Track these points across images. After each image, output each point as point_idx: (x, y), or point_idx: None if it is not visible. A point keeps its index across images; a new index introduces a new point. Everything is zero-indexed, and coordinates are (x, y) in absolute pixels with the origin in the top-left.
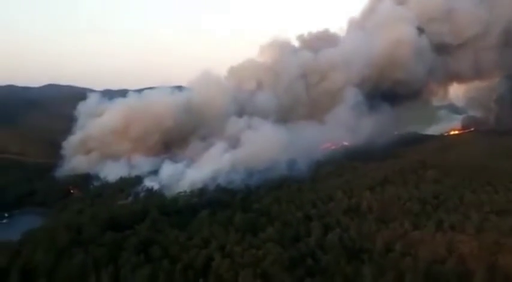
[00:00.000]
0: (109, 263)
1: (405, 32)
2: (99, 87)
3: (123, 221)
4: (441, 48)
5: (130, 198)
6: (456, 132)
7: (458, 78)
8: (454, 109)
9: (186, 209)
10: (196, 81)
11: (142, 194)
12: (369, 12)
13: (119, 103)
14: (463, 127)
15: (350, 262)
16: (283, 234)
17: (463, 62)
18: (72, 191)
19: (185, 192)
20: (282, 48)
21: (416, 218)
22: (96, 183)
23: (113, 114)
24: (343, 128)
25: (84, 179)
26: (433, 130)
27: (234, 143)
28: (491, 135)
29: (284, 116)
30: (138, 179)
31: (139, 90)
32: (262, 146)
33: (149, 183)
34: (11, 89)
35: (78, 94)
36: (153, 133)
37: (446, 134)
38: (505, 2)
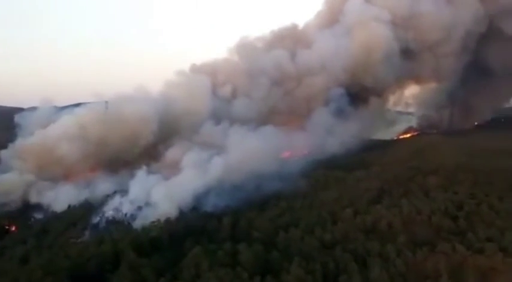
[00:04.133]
0: None
1: (380, 33)
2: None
3: (90, 269)
4: (405, 53)
5: (87, 233)
6: (408, 135)
7: (417, 82)
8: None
9: (167, 244)
10: (174, 84)
11: (102, 226)
12: (337, 10)
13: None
14: (419, 128)
15: None
16: (312, 272)
17: (425, 66)
18: (8, 228)
19: (159, 221)
20: (253, 48)
21: (459, 237)
22: (38, 216)
23: (74, 122)
24: (324, 134)
25: (22, 211)
26: (387, 134)
27: (216, 152)
28: (452, 136)
29: (262, 122)
30: (93, 206)
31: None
32: (249, 156)
33: (111, 210)
34: None
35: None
36: (130, 147)
37: (405, 137)
38: (466, 7)
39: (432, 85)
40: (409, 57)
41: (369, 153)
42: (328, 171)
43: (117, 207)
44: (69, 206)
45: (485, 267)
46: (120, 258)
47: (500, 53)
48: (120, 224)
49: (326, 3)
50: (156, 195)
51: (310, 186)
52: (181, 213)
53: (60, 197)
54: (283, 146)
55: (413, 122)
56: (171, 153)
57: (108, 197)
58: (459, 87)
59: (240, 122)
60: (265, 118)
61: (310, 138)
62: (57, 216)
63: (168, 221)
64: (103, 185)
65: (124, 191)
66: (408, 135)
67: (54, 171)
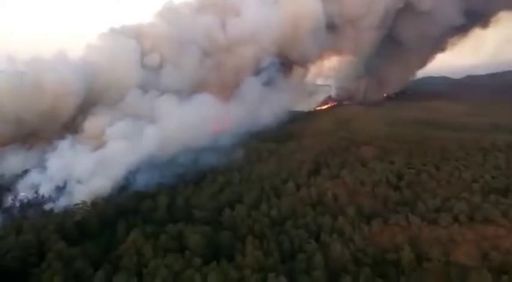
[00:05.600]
0: None
1: (309, 5)
2: None
3: (10, 264)
4: (329, 26)
5: None
6: (327, 105)
7: (338, 54)
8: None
9: (97, 229)
10: (97, 49)
11: (17, 211)
12: None
13: None
14: (337, 99)
15: None
16: (269, 253)
17: (346, 39)
18: None
19: (85, 202)
20: (181, 14)
21: (407, 208)
22: None
23: None
24: (255, 105)
25: None
26: (305, 105)
27: (146, 123)
28: (368, 106)
29: (191, 93)
30: (3, 186)
31: None
32: (183, 127)
33: (25, 190)
34: None
35: None
36: (50, 122)
37: (325, 108)
38: None
39: (350, 57)
40: (332, 30)
41: (294, 124)
42: (259, 143)
43: (34, 186)
44: None
45: (444, 238)
46: (46, 248)
47: (411, 27)
48: (38, 207)
49: None
50: (82, 171)
51: (244, 158)
52: (110, 193)
53: None
54: (216, 117)
55: (331, 93)
56: (93, 124)
57: (21, 175)
58: (374, 60)
59: (168, 92)
60: (194, 89)
61: (240, 110)
62: None
63: (95, 202)
64: (14, 160)
65: (41, 167)
66: (327, 105)
67: None
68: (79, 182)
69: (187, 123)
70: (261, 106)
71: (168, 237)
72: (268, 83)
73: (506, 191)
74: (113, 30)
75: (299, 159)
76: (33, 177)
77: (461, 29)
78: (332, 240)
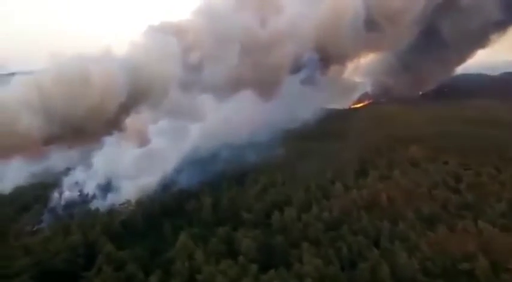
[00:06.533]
0: None
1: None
2: None
3: (59, 267)
4: (368, 21)
5: (44, 219)
6: (362, 103)
7: (376, 50)
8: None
9: (143, 230)
10: (141, 46)
11: (61, 210)
12: None
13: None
14: (374, 95)
15: None
16: (330, 262)
17: (385, 36)
18: None
19: (129, 202)
20: (222, 11)
21: (470, 212)
22: None
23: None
24: (295, 103)
25: None
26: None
27: (189, 121)
28: (405, 104)
29: (231, 91)
30: (48, 185)
31: None
32: (227, 125)
33: (70, 189)
34: None
35: None
36: (97, 117)
37: (361, 106)
38: None
39: (386, 53)
40: (371, 26)
41: (331, 122)
42: (298, 141)
43: (78, 184)
44: (17, 188)
45: None
46: (95, 250)
47: (452, 22)
48: (84, 206)
49: None
50: (127, 168)
51: (285, 157)
52: (154, 191)
53: (7, 175)
54: (256, 115)
55: (367, 90)
56: (136, 121)
57: (65, 172)
58: (412, 56)
59: (209, 90)
60: (234, 86)
61: (279, 107)
62: (3, 199)
63: (140, 201)
64: (59, 158)
65: (86, 165)
66: (362, 104)
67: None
68: (125, 179)
69: (229, 122)
70: (299, 104)
71: (219, 241)
72: (308, 81)
73: None
74: (152, 28)
75: (343, 159)
76: (78, 175)
77: (502, 25)
78: (395, 247)
